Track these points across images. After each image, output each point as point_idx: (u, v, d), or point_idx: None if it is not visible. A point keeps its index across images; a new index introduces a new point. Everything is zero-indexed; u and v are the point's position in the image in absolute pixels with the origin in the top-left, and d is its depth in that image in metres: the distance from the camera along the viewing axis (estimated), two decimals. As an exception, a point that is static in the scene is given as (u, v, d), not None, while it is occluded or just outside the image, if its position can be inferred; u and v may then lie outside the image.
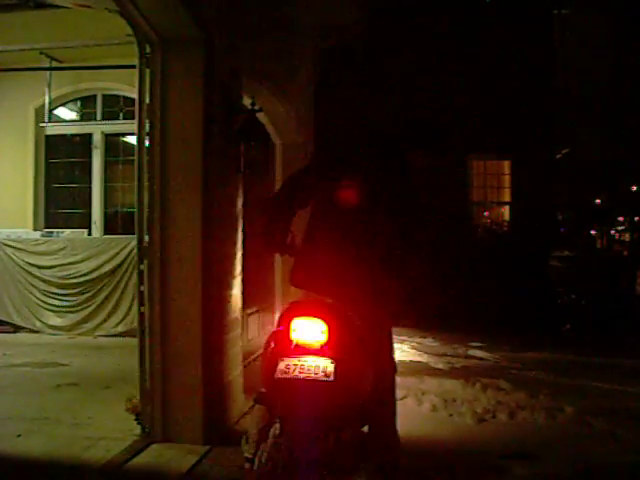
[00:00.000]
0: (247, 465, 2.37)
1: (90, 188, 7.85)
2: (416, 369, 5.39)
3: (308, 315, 2.21)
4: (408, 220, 2.60)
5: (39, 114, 7.79)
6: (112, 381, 4.58)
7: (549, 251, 9.89)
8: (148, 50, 3.36)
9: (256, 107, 3.76)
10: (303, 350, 2.17)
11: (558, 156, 12.00)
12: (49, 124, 7.78)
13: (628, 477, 3.17)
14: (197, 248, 3.33)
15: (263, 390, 2.31)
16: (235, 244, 3.75)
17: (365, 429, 2.52)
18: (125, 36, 3.61)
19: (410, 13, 9.66)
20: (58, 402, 4.08)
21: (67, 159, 7.97)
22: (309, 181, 2.69)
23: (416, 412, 4.02)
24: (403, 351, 6.33)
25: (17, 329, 6.83)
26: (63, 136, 7.97)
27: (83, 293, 6.73)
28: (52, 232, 7.20)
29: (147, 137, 3.41)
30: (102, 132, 7.87)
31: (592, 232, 12.82)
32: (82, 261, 6.73)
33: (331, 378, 2.09)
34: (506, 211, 10.55)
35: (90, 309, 6.70)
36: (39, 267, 6.81)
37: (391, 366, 2.66)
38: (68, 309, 6.75)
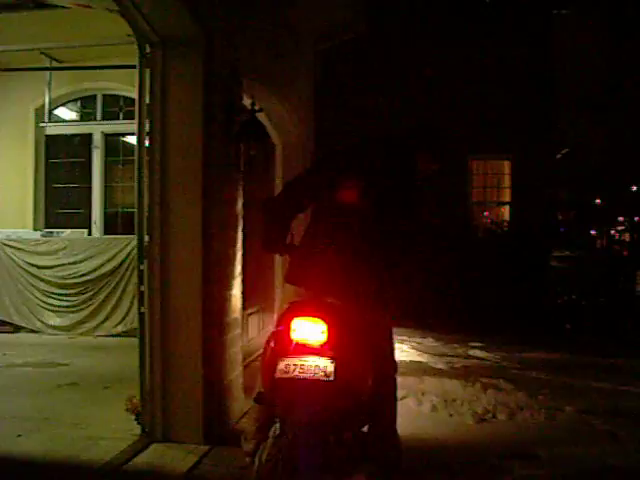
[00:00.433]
0: (248, 459, 2.38)
1: (90, 188, 7.85)
2: (416, 369, 5.39)
3: (308, 315, 2.21)
4: (409, 222, 2.61)
5: (39, 114, 7.78)
6: (112, 381, 4.58)
7: (549, 251, 9.88)
8: (148, 50, 3.35)
9: (256, 107, 3.75)
10: (303, 350, 2.17)
11: (558, 156, 12.00)
12: (49, 124, 7.78)
13: (628, 477, 3.17)
14: (197, 248, 3.33)
15: (263, 390, 2.31)
16: (235, 244, 3.75)
17: (365, 429, 2.53)
18: (125, 36, 3.61)
19: (410, 13, 9.67)
20: (58, 402, 4.09)
21: (67, 159, 7.96)
22: (311, 185, 2.70)
23: (416, 412, 4.03)
24: (403, 351, 6.33)
25: (17, 329, 6.82)
26: (63, 136, 7.97)
27: (83, 293, 6.72)
28: (52, 232, 7.20)
29: (147, 137, 3.41)
30: (102, 132, 7.87)
31: (592, 232, 12.82)
32: (82, 261, 6.73)
33: (331, 378, 2.09)
34: (506, 211, 10.55)
35: (90, 309, 6.70)
36: (39, 267, 6.81)
37: (392, 366, 2.66)
38: (68, 309, 6.75)
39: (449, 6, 9.68)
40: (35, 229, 7.58)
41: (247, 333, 4.66)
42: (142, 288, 3.41)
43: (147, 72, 3.37)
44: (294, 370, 2.12)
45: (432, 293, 7.87)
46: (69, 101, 8.10)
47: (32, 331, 6.75)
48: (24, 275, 6.83)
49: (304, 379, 2.10)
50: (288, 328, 2.21)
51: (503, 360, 6.14)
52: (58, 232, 7.18)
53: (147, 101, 3.39)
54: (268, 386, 2.24)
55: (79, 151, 7.95)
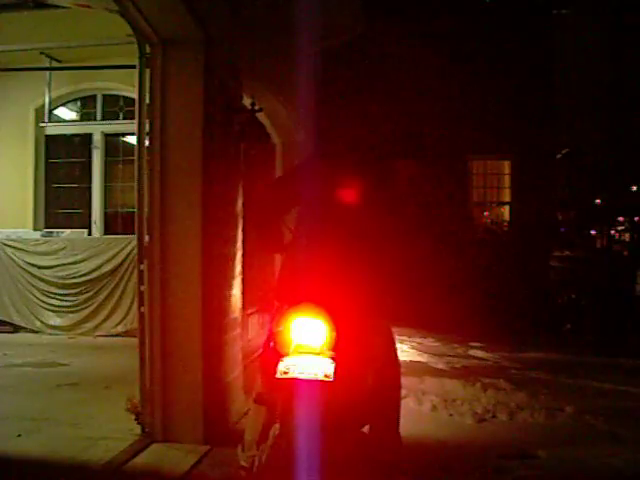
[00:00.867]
0: (243, 473, 2.35)
1: (90, 188, 7.84)
2: (416, 369, 5.39)
3: (308, 315, 2.21)
4: (400, 224, 2.60)
5: (39, 114, 7.78)
6: (112, 381, 4.58)
7: (549, 251, 9.89)
8: (148, 50, 3.36)
9: (256, 107, 3.75)
10: (303, 350, 2.17)
11: (558, 156, 12.00)
12: (49, 124, 7.78)
13: (628, 477, 3.17)
14: (197, 248, 3.33)
15: (262, 390, 2.31)
16: (235, 244, 3.75)
17: (365, 429, 2.52)
18: (125, 36, 3.61)
19: (410, 13, 9.67)
20: (58, 402, 4.08)
21: (67, 159, 7.96)
22: (293, 185, 2.67)
23: (416, 412, 4.02)
24: (403, 351, 6.33)
25: (17, 329, 6.83)
26: (63, 136, 7.96)
27: (83, 293, 6.73)
28: (52, 232, 7.20)
29: (147, 137, 3.41)
30: (102, 132, 7.86)
31: (592, 232, 12.81)
32: (82, 261, 6.73)
33: (331, 378, 2.09)
34: (506, 211, 10.55)
35: (90, 309, 6.70)
36: (39, 267, 6.81)
37: (395, 366, 2.64)
38: (68, 309, 6.75)
39: (449, 6, 9.68)
40: (35, 229, 7.58)
41: (247, 333, 4.66)
42: (142, 288, 3.41)
43: (147, 72, 3.38)
44: (294, 370, 2.12)
45: (432, 293, 7.87)
46: (69, 101, 8.10)
47: (32, 331, 6.75)
48: (24, 275, 6.83)
49: (304, 379, 2.10)
50: (288, 328, 2.20)
51: (503, 360, 6.14)
52: (58, 232, 7.18)
53: (147, 101, 3.39)
54: (268, 386, 2.24)
55: (79, 151, 7.94)
